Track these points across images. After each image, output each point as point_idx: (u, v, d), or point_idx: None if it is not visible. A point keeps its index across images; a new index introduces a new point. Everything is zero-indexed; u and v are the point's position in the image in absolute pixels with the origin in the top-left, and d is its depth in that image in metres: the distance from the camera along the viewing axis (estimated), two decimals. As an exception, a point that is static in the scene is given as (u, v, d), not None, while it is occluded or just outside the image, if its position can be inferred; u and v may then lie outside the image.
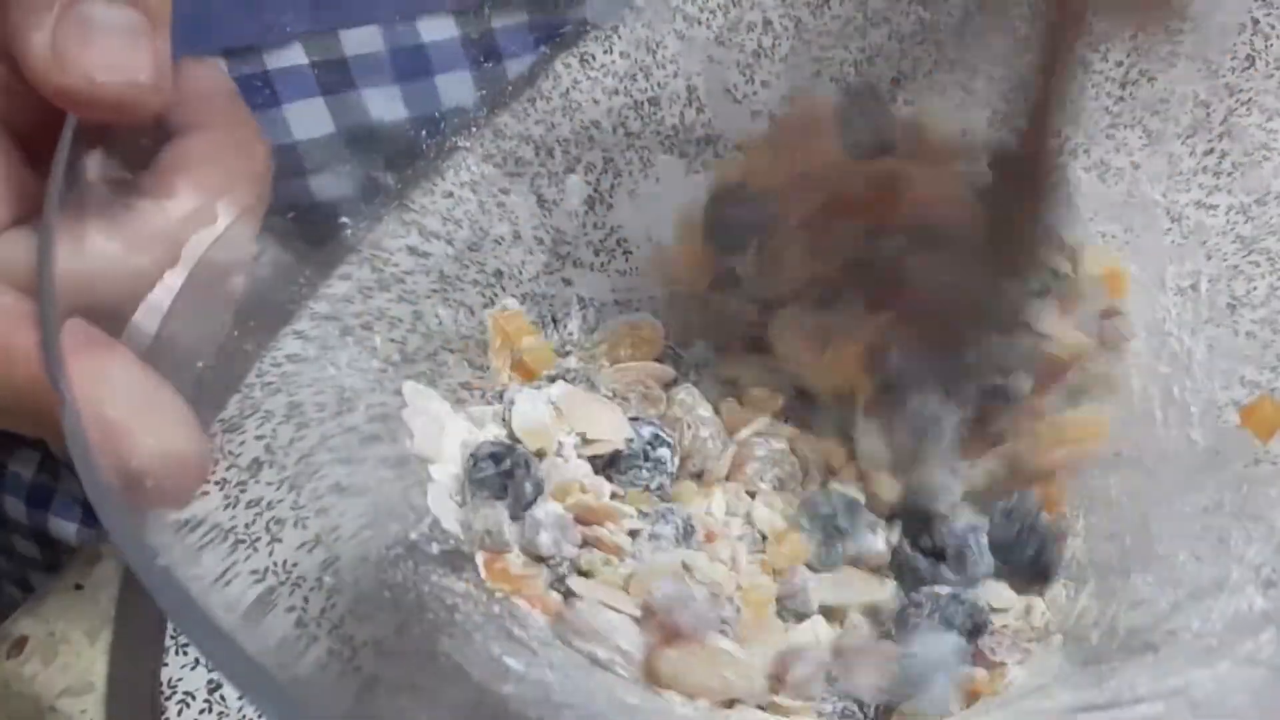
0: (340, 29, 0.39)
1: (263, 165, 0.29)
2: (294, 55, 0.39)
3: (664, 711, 0.34)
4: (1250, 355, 0.38)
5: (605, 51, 0.43)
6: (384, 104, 0.40)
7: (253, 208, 0.29)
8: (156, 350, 0.26)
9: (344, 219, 0.36)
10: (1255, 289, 0.39)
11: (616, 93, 0.44)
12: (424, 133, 0.40)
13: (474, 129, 0.41)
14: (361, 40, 0.40)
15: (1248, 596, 0.33)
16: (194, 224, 0.27)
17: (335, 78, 0.39)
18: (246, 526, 0.27)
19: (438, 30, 0.41)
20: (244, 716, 0.36)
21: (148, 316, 0.26)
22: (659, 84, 0.44)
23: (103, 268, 0.26)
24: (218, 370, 0.29)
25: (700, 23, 0.44)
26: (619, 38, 0.43)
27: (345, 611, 0.29)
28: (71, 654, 0.38)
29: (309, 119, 0.39)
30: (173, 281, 0.26)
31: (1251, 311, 0.39)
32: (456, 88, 0.41)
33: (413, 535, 0.34)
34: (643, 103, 0.45)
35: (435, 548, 0.35)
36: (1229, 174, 0.40)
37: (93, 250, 0.25)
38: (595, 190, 0.44)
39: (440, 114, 0.40)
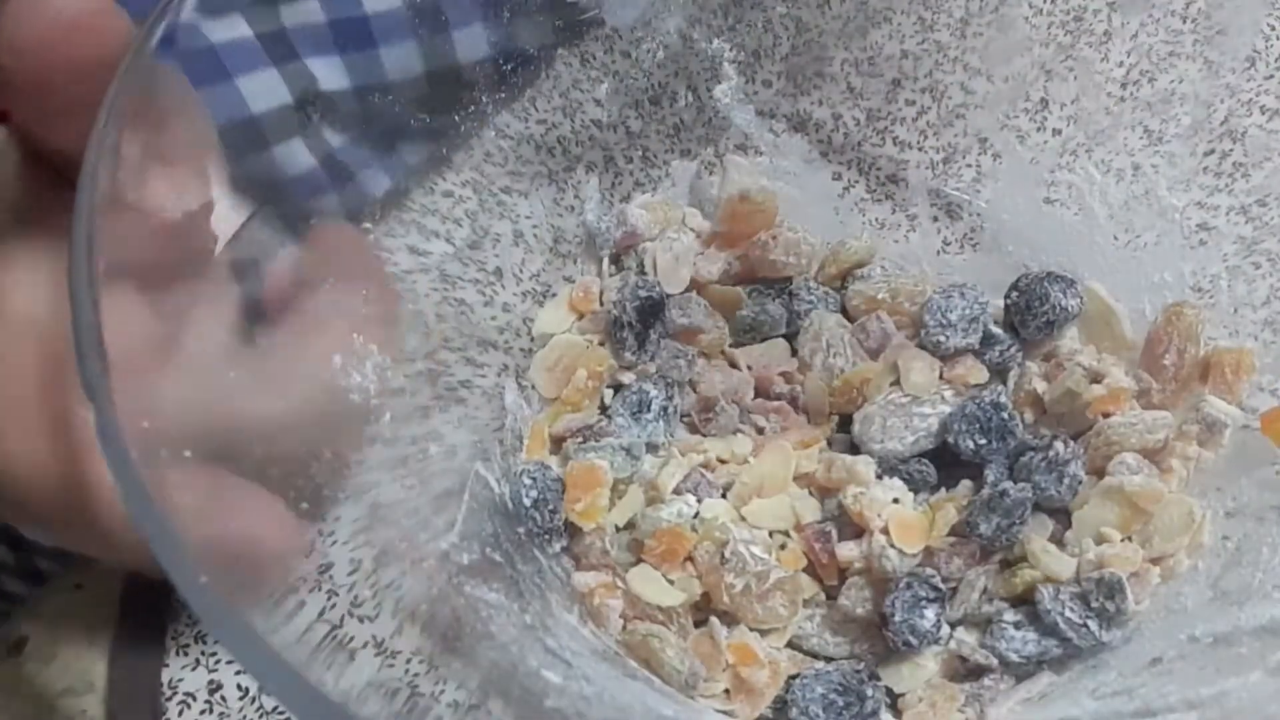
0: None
1: (392, 310, 0.29)
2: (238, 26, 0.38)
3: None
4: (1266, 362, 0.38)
5: (606, 51, 0.43)
6: (329, 74, 0.40)
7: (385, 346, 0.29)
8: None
9: (366, 224, 0.36)
10: (1256, 290, 0.39)
11: (617, 92, 0.44)
12: (450, 133, 0.40)
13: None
14: (301, 11, 0.39)
15: (1275, 603, 0.33)
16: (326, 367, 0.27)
17: (280, 48, 0.39)
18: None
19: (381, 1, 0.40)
20: (244, 717, 0.36)
21: (165, 322, 0.26)
22: (659, 83, 0.44)
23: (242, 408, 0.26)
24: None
25: (701, 22, 0.44)
26: (619, 37, 0.43)
27: (388, 625, 0.29)
28: (71, 654, 0.38)
29: (261, 90, 0.38)
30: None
31: (1253, 313, 0.39)
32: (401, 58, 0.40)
33: (443, 545, 0.34)
34: (643, 102, 0.45)
35: (466, 558, 0.34)
36: (1230, 175, 0.40)
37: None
38: (599, 188, 0.44)
39: (459, 117, 0.40)
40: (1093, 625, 0.35)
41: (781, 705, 0.36)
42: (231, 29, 0.37)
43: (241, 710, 0.36)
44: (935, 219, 0.45)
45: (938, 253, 0.45)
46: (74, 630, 0.39)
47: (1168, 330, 0.39)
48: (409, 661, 0.28)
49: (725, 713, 0.36)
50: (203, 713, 0.36)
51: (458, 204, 0.41)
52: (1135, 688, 0.33)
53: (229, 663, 0.37)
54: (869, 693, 0.35)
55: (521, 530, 0.37)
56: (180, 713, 0.36)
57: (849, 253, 0.44)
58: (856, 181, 0.46)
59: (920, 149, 0.45)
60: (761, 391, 0.43)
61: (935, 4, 0.44)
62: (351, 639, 0.27)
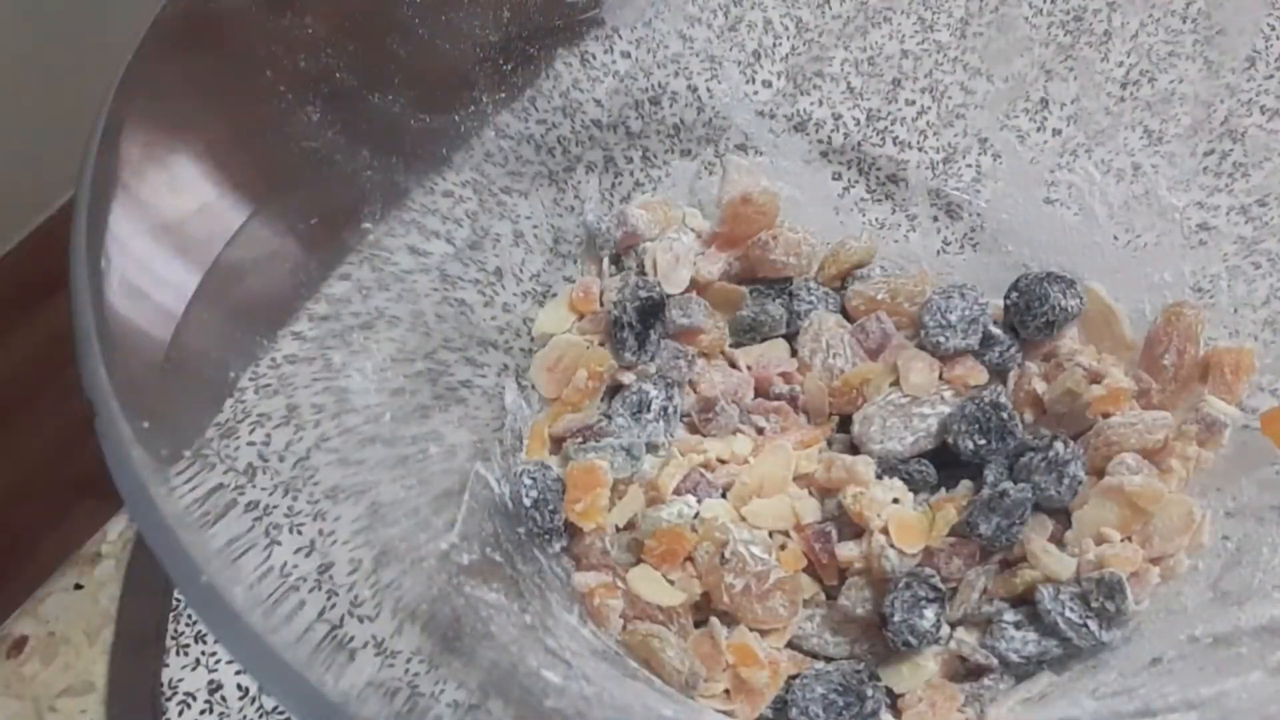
0: None
1: None
2: None
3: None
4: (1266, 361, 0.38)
5: (606, 51, 0.43)
6: None
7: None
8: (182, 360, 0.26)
9: (366, 224, 0.36)
10: (1256, 290, 0.39)
11: (617, 92, 0.44)
12: (450, 133, 0.40)
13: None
14: None
15: (1275, 603, 0.32)
16: None
17: None
18: (246, 532, 0.27)
19: None
20: (244, 717, 0.36)
21: (164, 323, 0.26)
22: (659, 83, 0.44)
23: None
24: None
25: (701, 22, 0.44)
26: (619, 37, 0.43)
27: (388, 625, 0.29)
28: (71, 654, 0.38)
29: None
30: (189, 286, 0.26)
31: (1253, 313, 0.39)
32: None
33: (443, 545, 0.34)
34: (643, 102, 0.45)
35: (466, 558, 0.34)
36: (1230, 175, 0.40)
37: None
38: (599, 188, 0.44)
39: (459, 117, 0.40)
40: (1093, 625, 0.35)
41: (781, 705, 0.36)
42: None
43: (241, 710, 0.36)
44: (935, 219, 0.45)
45: (938, 253, 0.45)
46: (74, 630, 0.39)
47: (1168, 330, 0.39)
48: (409, 661, 0.28)
49: (725, 713, 0.36)
50: (203, 713, 0.36)
51: (458, 204, 0.41)
52: (1135, 688, 0.33)
53: (229, 663, 0.37)
54: (869, 693, 0.35)
55: (521, 530, 0.37)
56: (180, 713, 0.36)
57: (849, 253, 0.44)
58: (856, 181, 0.46)
59: (920, 149, 0.45)
60: (761, 391, 0.43)
61: (935, 4, 0.44)
62: (351, 639, 0.27)
